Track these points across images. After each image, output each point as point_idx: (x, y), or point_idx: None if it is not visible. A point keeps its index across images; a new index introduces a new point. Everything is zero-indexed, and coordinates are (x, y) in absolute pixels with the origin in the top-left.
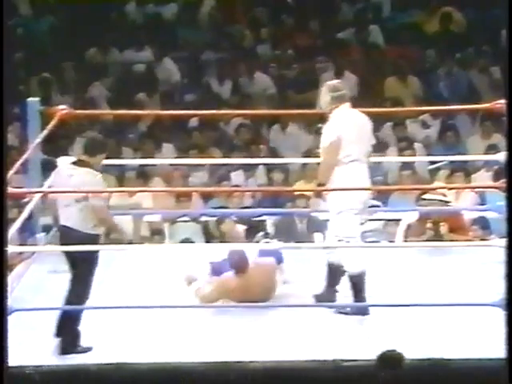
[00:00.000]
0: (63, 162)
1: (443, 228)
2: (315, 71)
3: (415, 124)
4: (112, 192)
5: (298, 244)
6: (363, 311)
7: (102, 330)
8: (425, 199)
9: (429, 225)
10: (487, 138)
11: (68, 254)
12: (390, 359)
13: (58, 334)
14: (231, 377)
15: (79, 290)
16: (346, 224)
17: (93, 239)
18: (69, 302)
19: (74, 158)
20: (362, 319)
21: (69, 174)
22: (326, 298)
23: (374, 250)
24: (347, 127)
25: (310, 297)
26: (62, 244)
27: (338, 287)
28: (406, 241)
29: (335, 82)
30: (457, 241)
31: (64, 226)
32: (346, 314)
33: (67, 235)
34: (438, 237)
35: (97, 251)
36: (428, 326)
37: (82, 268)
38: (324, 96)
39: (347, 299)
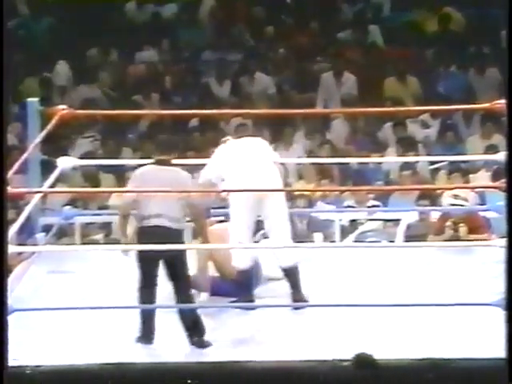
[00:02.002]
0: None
1: (463, 229)
2: (315, 71)
3: (415, 124)
4: (112, 192)
5: (298, 244)
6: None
7: (101, 330)
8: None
9: (449, 223)
10: (487, 138)
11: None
12: (364, 361)
13: (191, 329)
14: (230, 377)
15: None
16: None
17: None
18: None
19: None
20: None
21: (163, 173)
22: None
23: (373, 250)
24: (222, 165)
25: (309, 296)
26: (151, 243)
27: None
28: (407, 241)
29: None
30: (471, 240)
31: (157, 226)
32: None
33: (160, 234)
34: (457, 237)
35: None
36: (428, 325)
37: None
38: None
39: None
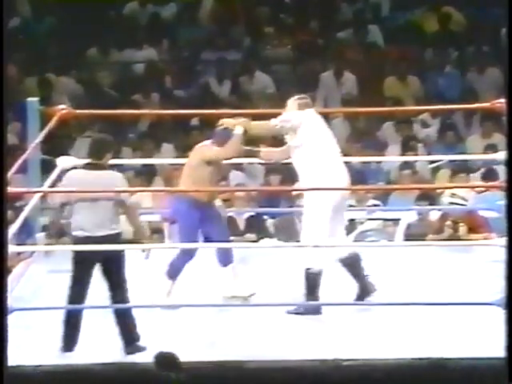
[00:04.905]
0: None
1: (462, 228)
2: (315, 70)
3: (415, 123)
4: (112, 192)
5: (298, 243)
6: (316, 310)
7: (101, 330)
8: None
9: (448, 223)
10: (487, 138)
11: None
12: (165, 360)
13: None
14: (230, 376)
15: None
16: (315, 223)
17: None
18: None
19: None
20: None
21: (92, 178)
22: (365, 292)
23: (373, 250)
24: (313, 130)
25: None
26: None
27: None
28: (407, 240)
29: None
30: (470, 239)
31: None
32: (298, 313)
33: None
34: (456, 236)
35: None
36: (428, 324)
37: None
38: (291, 105)
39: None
